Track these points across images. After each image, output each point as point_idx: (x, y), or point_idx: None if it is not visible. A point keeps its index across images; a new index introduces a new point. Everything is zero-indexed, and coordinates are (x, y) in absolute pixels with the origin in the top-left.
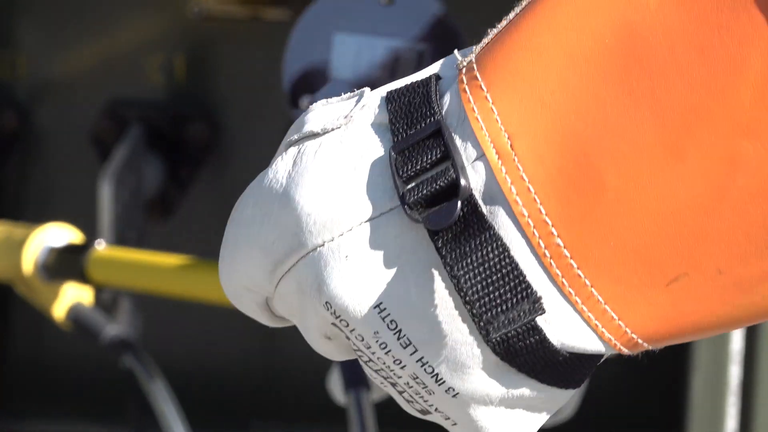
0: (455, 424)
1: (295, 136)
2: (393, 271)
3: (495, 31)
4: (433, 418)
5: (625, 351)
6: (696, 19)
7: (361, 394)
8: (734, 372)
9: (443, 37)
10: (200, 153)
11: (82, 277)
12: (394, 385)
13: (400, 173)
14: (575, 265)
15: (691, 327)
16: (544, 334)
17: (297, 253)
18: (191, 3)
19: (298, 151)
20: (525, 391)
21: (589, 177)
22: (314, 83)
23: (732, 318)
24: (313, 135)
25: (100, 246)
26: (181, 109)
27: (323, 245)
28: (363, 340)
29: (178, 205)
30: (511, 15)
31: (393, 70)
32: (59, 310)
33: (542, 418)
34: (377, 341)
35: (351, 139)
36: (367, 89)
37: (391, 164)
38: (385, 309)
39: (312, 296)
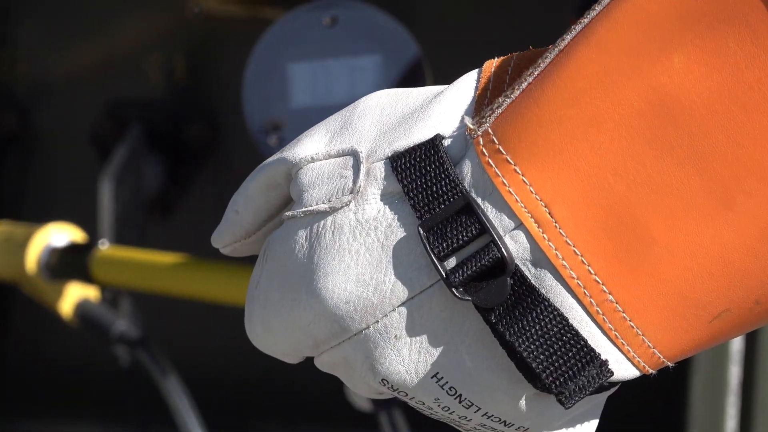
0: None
1: (299, 212)
2: (445, 342)
3: (507, 100)
4: None
5: (651, 372)
6: (730, 77)
7: (392, 412)
8: (734, 372)
9: (393, 45)
10: (200, 153)
11: (86, 277)
12: (460, 426)
13: (435, 252)
14: (628, 318)
15: (715, 344)
16: (606, 384)
17: (340, 336)
18: (191, 3)
19: (311, 231)
20: (575, 413)
21: (636, 234)
22: (276, 116)
23: (752, 329)
24: (320, 213)
25: (104, 246)
26: (181, 109)
27: (368, 328)
28: (424, 404)
29: (178, 205)
30: (524, 84)
31: (351, 88)
32: (66, 308)
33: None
34: (439, 405)
35: (368, 216)
36: (356, 147)
37: (424, 243)
38: (442, 378)
39: (364, 373)
